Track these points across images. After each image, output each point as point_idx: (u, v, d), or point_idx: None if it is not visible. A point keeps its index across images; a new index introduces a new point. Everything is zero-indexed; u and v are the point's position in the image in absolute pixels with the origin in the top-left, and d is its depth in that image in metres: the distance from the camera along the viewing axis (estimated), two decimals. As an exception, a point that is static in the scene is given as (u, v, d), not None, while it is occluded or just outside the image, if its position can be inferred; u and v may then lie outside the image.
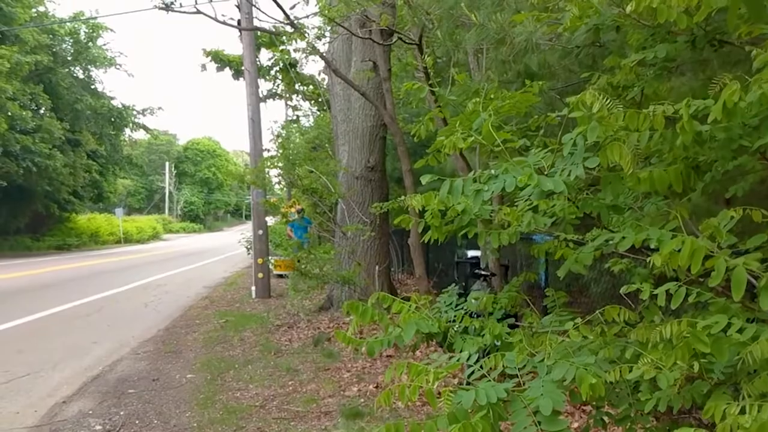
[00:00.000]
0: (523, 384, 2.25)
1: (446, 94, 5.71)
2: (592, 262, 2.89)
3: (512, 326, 3.07)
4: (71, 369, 7.78)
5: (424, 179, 2.62)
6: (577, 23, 2.62)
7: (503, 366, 2.41)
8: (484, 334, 2.88)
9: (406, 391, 2.36)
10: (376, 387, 6.30)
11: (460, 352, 2.71)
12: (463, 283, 6.50)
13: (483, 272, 6.12)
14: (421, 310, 2.94)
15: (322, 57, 8.46)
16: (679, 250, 1.76)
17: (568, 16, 2.64)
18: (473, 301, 3.30)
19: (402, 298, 9.05)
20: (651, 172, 1.94)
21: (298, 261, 9.65)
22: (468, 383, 2.44)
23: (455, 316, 3.12)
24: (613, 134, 1.90)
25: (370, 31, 8.71)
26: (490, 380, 2.27)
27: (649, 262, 1.93)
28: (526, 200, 2.20)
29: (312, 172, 9.15)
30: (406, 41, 6.29)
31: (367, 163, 10.22)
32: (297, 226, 15.27)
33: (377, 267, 9.12)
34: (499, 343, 2.87)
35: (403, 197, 3.09)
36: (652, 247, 1.88)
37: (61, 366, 7.93)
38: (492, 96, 2.44)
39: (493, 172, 2.13)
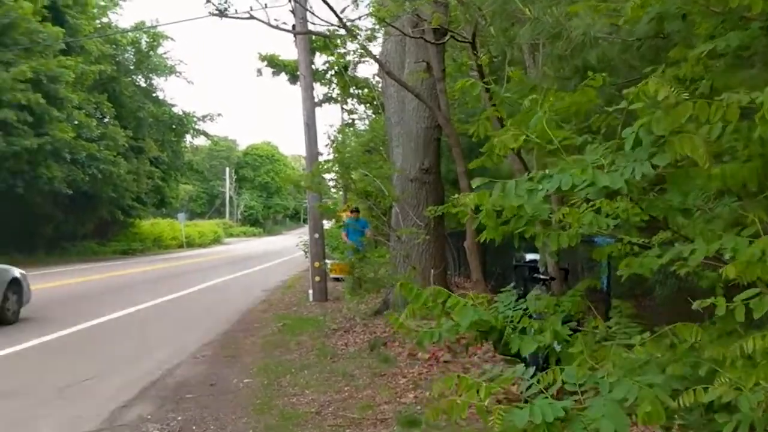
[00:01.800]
0: (584, 402, 2.09)
1: (501, 92, 5.57)
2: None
3: (574, 330, 2.91)
4: (132, 372, 7.89)
5: (475, 183, 2.50)
6: (639, 13, 2.45)
7: (562, 381, 2.26)
8: (543, 334, 2.73)
9: (456, 406, 2.24)
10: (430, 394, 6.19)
11: (515, 354, 2.58)
12: (522, 288, 6.33)
13: (542, 276, 5.94)
14: (477, 307, 2.81)
15: (374, 59, 8.41)
16: (761, 259, 1.59)
17: (629, 6, 2.47)
18: (534, 301, 3.15)
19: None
20: (723, 168, 1.77)
21: (352, 266, 9.59)
22: (525, 400, 2.30)
23: (513, 315, 2.97)
24: (680, 127, 1.73)
25: (423, 30, 8.62)
26: (547, 397, 2.13)
27: (722, 274, 1.76)
28: (585, 200, 2.05)
29: (366, 175, 9.10)
30: (459, 40, 6.17)
31: (422, 166, 10.10)
32: (352, 229, 15.06)
33: (432, 271, 9.00)
34: (559, 347, 2.72)
35: (456, 196, 2.96)
36: (726, 257, 1.70)
37: (122, 369, 8.06)
38: (550, 95, 2.30)
39: (548, 171, 2.00)
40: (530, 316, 3.12)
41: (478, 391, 2.25)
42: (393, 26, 7.35)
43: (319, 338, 9.42)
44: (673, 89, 1.68)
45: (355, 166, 8.80)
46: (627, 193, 1.89)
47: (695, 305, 2.02)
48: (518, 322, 2.87)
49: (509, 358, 5.61)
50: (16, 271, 11.63)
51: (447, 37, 7.07)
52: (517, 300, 5.76)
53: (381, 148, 12.47)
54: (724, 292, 3.31)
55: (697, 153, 1.65)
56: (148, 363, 8.40)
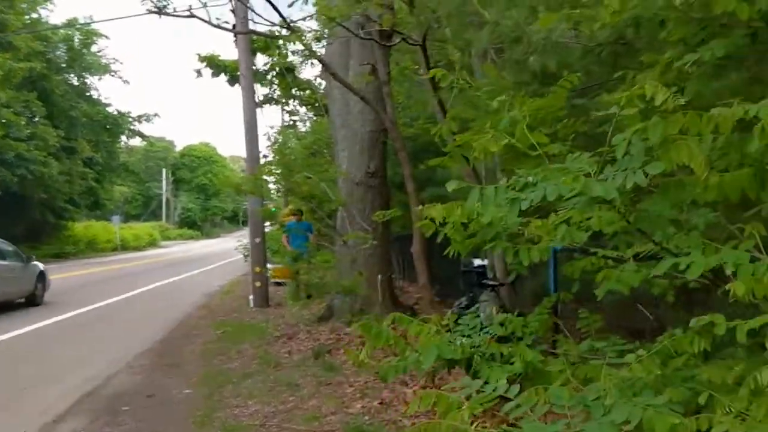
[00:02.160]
0: (572, 426, 1.97)
1: (451, 97, 5.49)
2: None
3: (546, 353, 2.81)
4: (66, 384, 7.51)
5: (451, 186, 2.38)
6: (616, 18, 2.36)
7: (547, 402, 2.13)
8: (513, 362, 2.60)
9: (438, 429, 2.09)
10: (381, 403, 6.04)
11: (486, 382, 2.44)
12: (470, 294, 6.27)
13: (491, 282, 5.88)
14: (442, 334, 2.67)
15: (319, 60, 8.24)
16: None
17: (607, 10, 2.37)
18: (490, 318, 3.02)
19: (405, 307, 8.77)
20: (722, 177, 1.68)
21: (297, 272, 9.35)
22: (512, 424, 2.16)
23: (481, 341, 2.84)
24: (675, 135, 1.64)
25: (370, 33, 8.51)
26: (534, 420, 2.00)
27: (728, 289, 1.66)
28: (569, 210, 1.93)
29: (310, 178, 8.91)
30: (410, 43, 6.05)
31: (368, 169, 9.98)
32: (294, 234, 14.59)
33: (379, 276, 8.87)
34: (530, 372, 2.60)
35: (420, 207, 2.82)
36: (728, 273, 1.61)
37: (55, 381, 7.67)
38: (518, 99, 2.18)
39: (530, 179, 1.88)
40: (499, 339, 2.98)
41: (460, 412, 2.11)
42: (343, 26, 7.20)
43: (262, 346, 9.17)
44: (670, 94, 1.60)
45: (299, 168, 8.59)
46: (615, 204, 1.79)
47: (693, 323, 1.92)
48: (487, 348, 2.74)
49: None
50: (41, 266, 15.74)
51: (398, 41, 6.95)
52: (466, 307, 5.70)
53: (325, 150, 12.29)
54: (675, 300, 3.25)
55: (696, 161, 1.57)
56: (83, 373, 8.02)
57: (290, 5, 8.81)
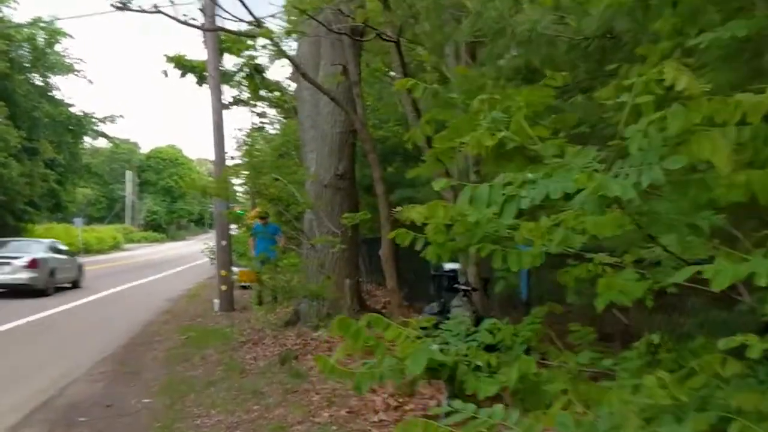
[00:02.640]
0: None
1: (423, 100, 5.33)
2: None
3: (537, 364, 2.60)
4: (19, 393, 7.19)
5: (439, 184, 2.20)
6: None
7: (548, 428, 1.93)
8: (499, 373, 2.38)
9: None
10: (349, 412, 5.86)
11: (470, 395, 2.26)
12: (441, 299, 6.11)
13: (463, 287, 5.73)
14: (423, 339, 2.48)
15: (289, 59, 8.05)
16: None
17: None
18: (486, 332, 2.82)
19: (373, 311, 8.56)
20: (750, 175, 1.52)
21: (258, 275, 9.07)
22: None
23: (467, 349, 2.64)
24: (695, 126, 1.47)
25: (340, 31, 8.37)
26: None
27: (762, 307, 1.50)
28: (576, 210, 1.76)
29: (278, 180, 8.70)
30: (384, 38, 5.89)
31: (336, 171, 9.79)
32: (261, 238, 14.19)
33: (347, 280, 8.69)
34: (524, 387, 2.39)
35: (399, 208, 2.64)
36: (762, 285, 1.44)
37: (7, 390, 7.34)
38: (498, 93, 2.02)
39: (530, 176, 1.71)
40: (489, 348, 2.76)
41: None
42: (315, 19, 7.00)
43: (226, 351, 8.92)
44: (694, 79, 1.44)
45: (267, 170, 8.36)
46: (635, 203, 1.63)
47: (722, 344, 1.74)
48: (474, 358, 2.53)
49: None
50: (80, 260, 22.16)
51: (372, 37, 6.79)
52: (438, 313, 5.55)
53: (294, 152, 12.08)
54: (655, 303, 3.09)
55: (720, 155, 1.41)
56: (38, 381, 7.71)
57: None
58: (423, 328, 2.64)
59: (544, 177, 1.67)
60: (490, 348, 2.70)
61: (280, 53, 8.00)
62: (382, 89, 12.83)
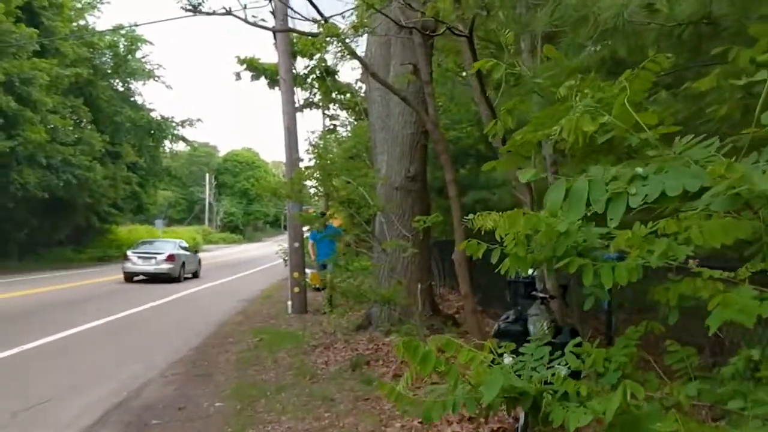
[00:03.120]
0: None
1: (499, 94, 5.09)
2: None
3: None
4: (95, 394, 7.31)
5: (526, 175, 1.95)
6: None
7: None
8: (591, 402, 2.11)
9: None
10: (422, 423, 5.66)
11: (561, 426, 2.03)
12: (518, 306, 5.83)
13: (541, 294, 5.43)
14: (502, 364, 2.25)
15: (358, 59, 7.92)
16: None
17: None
18: (573, 355, 2.56)
19: (446, 317, 8.30)
20: None
21: (329, 279, 8.93)
22: None
23: (553, 374, 2.39)
24: None
25: (410, 30, 8.18)
26: None
27: None
28: (700, 211, 1.50)
29: (349, 183, 8.58)
30: (456, 33, 5.64)
31: (407, 173, 9.61)
32: (321, 241, 13.67)
33: (420, 285, 8.49)
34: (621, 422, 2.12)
35: (471, 216, 2.42)
36: None
37: (84, 390, 7.48)
38: (588, 83, 1.78)
39: (639, 170, 1.47)
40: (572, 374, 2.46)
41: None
42: (384, 14, 6.83)
43: (298, 355, 8.88)
44: None
45: (338, 172, 8.26)
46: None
47: None
48: (559, 386, 2.28)
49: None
50: (200, 256, 26.95)
51: (443, 30, 6.55)
52: (515, 320, 5.29)
53: (364, 154, 11.97)
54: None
55: None
56: (113, 382, 7.82)
57: None
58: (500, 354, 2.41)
59: (657, 172, 1.43)
60: (574, 374, 2.45)
61: (350, 53, 7.87)
62: (453, 89, 12.57)
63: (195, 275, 25.98)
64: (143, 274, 23.13)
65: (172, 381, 7.89)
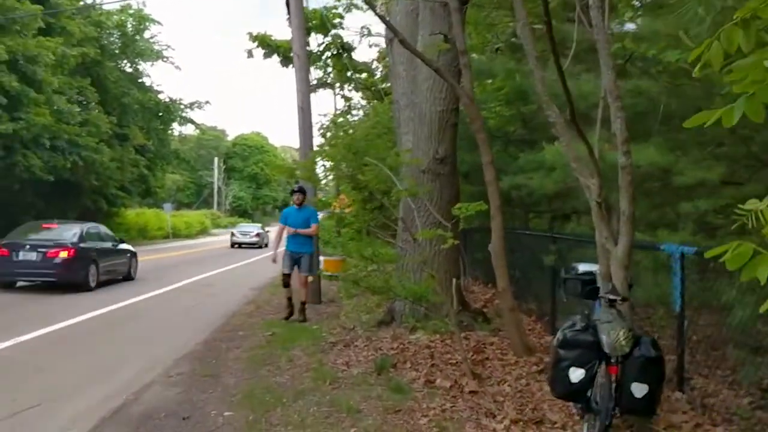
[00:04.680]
0: None
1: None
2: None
3: None
4: (91, 397, 6.55)
5: None
6: None
7: None
8: None
9: None
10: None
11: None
12: (586, 313, 4.99)
13: (611, 296, 4.58)
14: None
15: (387, 23, 7.04)
16: None
17: None
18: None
19: (475, 312, 7.42)
20: None
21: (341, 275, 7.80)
22: None
23: None
24: None
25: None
26: None
27: None
28: None
29: (374, 164, 7.72)
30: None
31: (436, 155, 8.74)
32: (292, 220, 11.00)
33: (454, 280, 7.65)
34: None
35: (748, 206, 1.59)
36: None
37: (79, 393, 6.71)
38: None
39: None
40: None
41: None
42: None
43: (315, 353, 8.06)
44: None
45: (362, 151, 7.35)
46: None
47: None
48: None
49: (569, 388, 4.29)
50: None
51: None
52: (584, 329, 4.46)
53: (385, 135, 11.10)
54: None
55: None
56: (112, 384, 7.05)
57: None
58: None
59: None
60: None
61: (380, 18, 7.00)
62: (481, 65, 11.65)
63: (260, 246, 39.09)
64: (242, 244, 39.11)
65: (177, 382, 7.10)
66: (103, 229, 17.88)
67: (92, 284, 15.04)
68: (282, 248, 11.24)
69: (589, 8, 4.52)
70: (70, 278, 14.52)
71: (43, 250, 14.50)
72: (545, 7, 4.44)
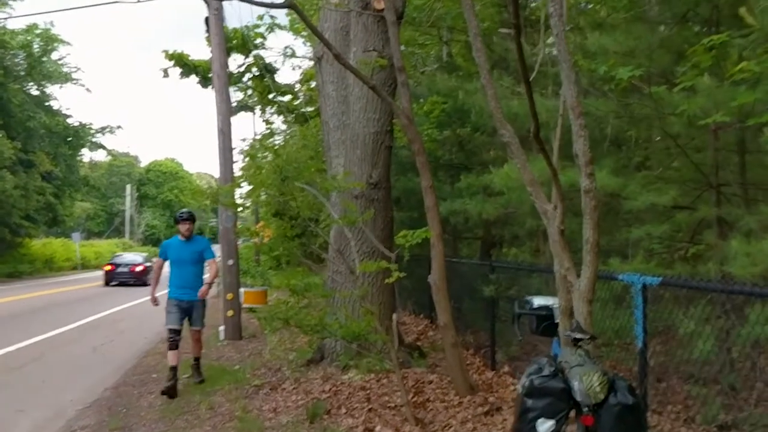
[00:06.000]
0: None
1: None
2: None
3: None
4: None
5: None
6: None
7: None
8: None
9: None
10: None
11: None
12: (554, 355, 4.47)
13: (577, 335, 4.07)
14: None
15: (320, 37, 6.47)
16: None
17: None
18: None
19: (410, 347, 6.80)
20: None
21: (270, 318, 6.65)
22: None
23: None
24: None
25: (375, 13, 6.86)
26: None
27: None
28: None
29: (309, 190, 7.08)
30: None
31: (370, 179, 8.18)
32: (179, 259, 8.77)
33: (394, 315, 7.06)
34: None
35: None
36: None
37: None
38: None
39: None
40: None
41: None
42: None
43: (239, 399, 7.29)
44: None
45: (293, 176, 6.68)
46: None
47: None
48: None
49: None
50: None
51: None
52: (553, 375, 3.95)
53: (313, 160, 10.45)
54: None
55: None
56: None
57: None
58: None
59: None
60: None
61: (313, 31, 6.44)
62: (414, 86, 11.21)
63: None
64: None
65: (80, 439, 6.22)
66: None
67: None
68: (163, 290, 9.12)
69: (550, 17, 4.10)
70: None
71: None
72: (515, 11, 3.97)
